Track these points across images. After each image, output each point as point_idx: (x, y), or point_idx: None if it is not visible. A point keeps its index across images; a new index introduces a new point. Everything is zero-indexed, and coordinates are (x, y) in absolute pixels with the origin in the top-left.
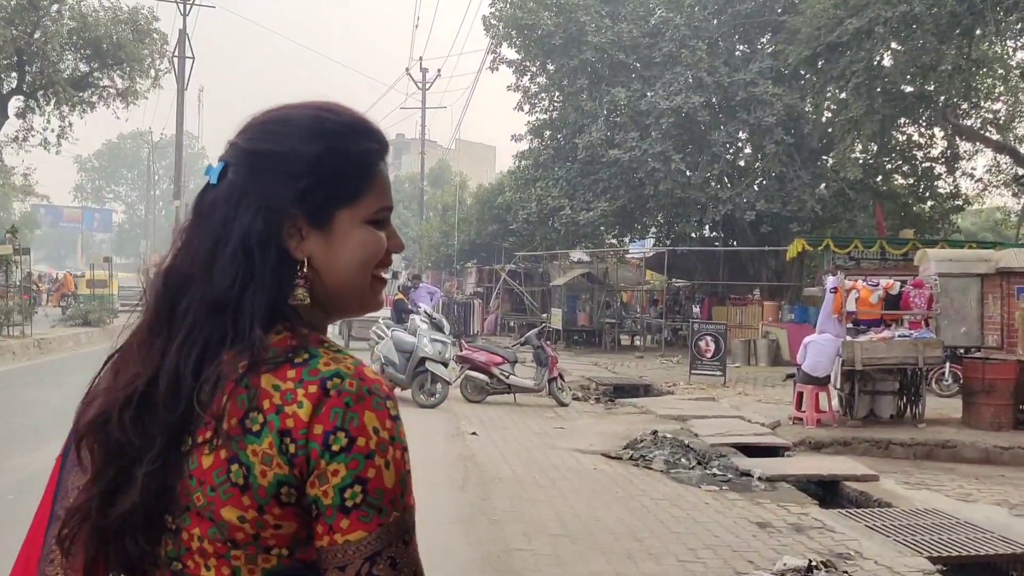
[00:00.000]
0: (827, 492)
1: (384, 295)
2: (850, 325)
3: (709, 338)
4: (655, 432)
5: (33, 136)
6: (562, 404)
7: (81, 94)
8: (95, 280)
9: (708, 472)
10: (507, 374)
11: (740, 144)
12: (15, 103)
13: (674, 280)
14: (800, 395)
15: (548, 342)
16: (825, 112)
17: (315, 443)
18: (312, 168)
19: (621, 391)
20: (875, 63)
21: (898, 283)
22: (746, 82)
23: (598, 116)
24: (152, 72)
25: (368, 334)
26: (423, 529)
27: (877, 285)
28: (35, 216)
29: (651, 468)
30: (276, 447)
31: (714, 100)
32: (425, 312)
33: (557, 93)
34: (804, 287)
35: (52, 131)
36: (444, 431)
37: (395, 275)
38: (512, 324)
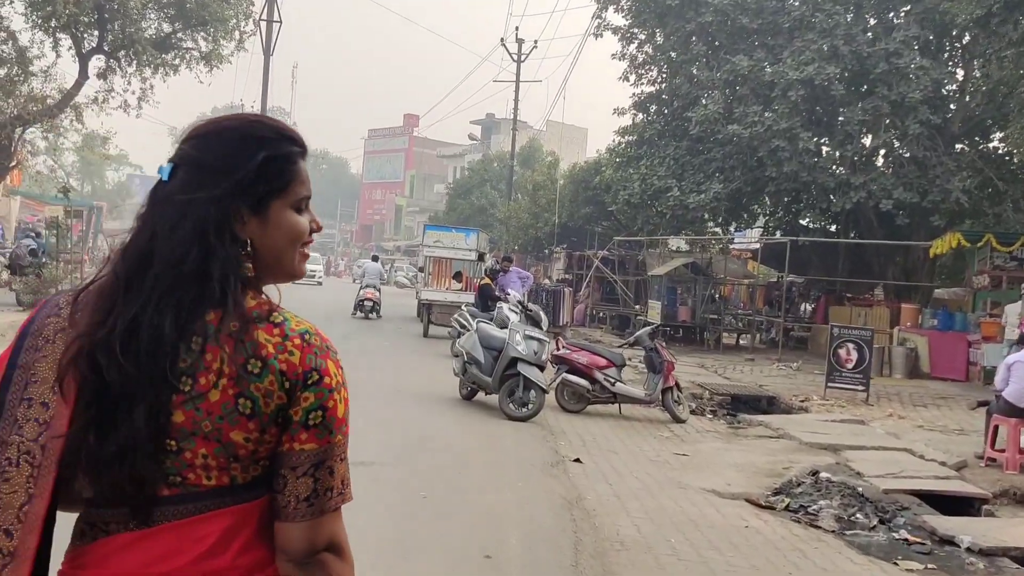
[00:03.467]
0: None
1: (470, 279)
2: None
3: (851, 345)
4: (815, 473)
5: (113, 98)
6: (678, 420)
7: (164, 55)
8: None
9: (895, 536)
10: (613, 380)
11: (878, 124)
12: (96, 62)
13: (783, 275)
14: (995, 429)
15: (663, 343)
16: (982, 87)
17: (299, 379)
18: (251, 168)
19: (740, 403)
20: None
21: None
22: (888, 52)
23: (714, 87)
24: (236, 34)
25: (448, 321)
26: None
27: None
28: (129, 186)
29: (818, 526)
30: (277, 384)
31: (848, 72)
32: (517, 300)
33: (668, 61)
34: (937, 288)
35: (132, 93)
36: (540, 456)
37: (481, 257)
38: (603, 315)
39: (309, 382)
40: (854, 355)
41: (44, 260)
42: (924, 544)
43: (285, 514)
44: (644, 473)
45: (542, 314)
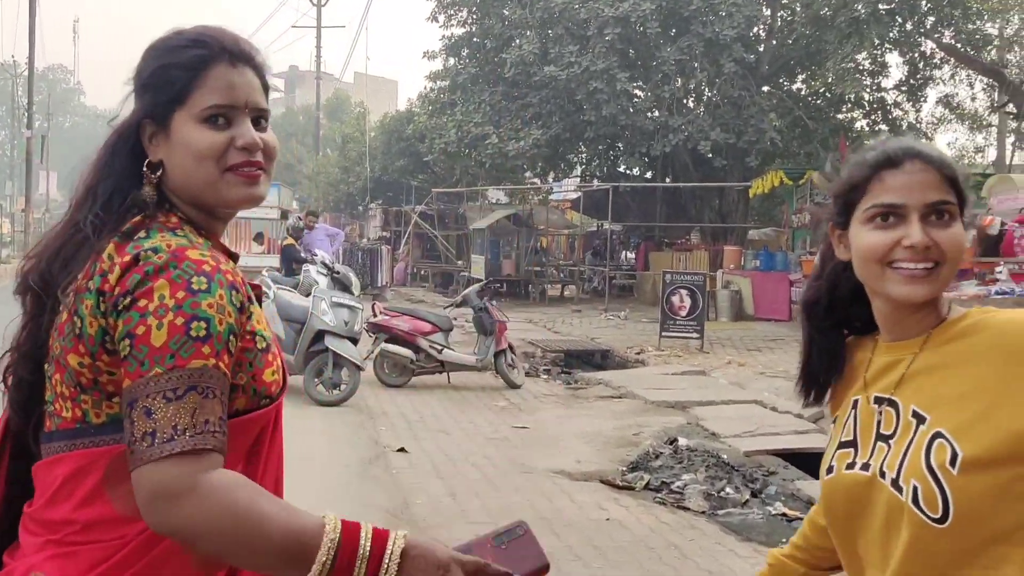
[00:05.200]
0: None
1: (273, 240)
2: None
3: (684, 292)
4: (673, 441)
5: None
6: (514, 386)
7: None
8: None
9: (771, 510)
10: (440, 347)
11: (693, 63)
12: None
13: (603, 223)
14: None
15: (493, 302)
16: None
17: (110, 302)
18: (149, 79)
19: (573, 358)
20: None
21: (998, 219)
22: None
23: (529, 27)
24: None
25: None
26: None
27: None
28: None
29: (687, 507)
30: (93, 303)
31: (663, 11)
32: (323, 262)
33: (478, 1)
34: (751, 228)
35: None
36: (356, 451)
37: (284, 215)
38: (424, 273)
39: (119, 307)
40: (687, 302)
41: None
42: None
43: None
44: (482, 457)
45: (352, 276)
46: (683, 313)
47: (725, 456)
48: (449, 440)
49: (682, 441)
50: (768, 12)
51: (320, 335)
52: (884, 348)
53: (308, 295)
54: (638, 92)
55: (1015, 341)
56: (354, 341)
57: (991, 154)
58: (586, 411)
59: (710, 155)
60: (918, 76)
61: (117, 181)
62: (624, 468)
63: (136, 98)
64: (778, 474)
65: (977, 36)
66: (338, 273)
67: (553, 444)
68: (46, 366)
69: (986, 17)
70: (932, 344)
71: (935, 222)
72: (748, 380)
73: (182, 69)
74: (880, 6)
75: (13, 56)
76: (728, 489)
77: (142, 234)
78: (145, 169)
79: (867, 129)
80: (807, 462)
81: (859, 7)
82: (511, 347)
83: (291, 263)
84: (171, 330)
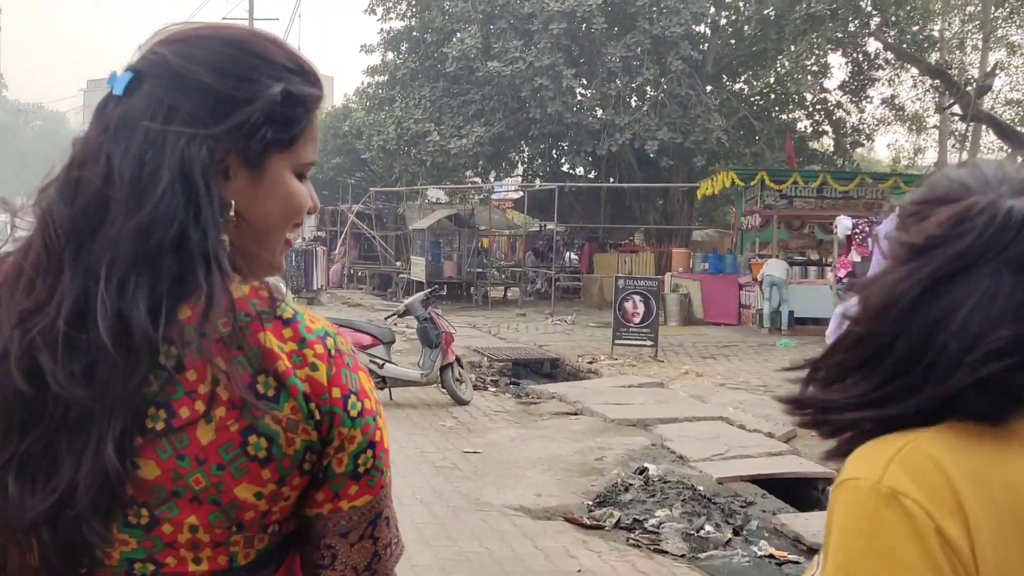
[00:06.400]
0: None
1: None
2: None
3: (637, 298)
4: (643, 471)
5: None
6: (462, 402)
7: None
8: None
9: (756, 551)
10: (381, 361)
11: (639, 60)
12: None
13: (545, 224)
14: None
15: (438, 311)
16: (741, 26)
17: (337, 408)
18: (262, 102)
19: (522, 367)
20: None
21: (847, 220)
22: None
23: (471, 21)
24: None
25: None
26: None
27: None
28: None
29: (664, 550)
30: (302, 412)
31: (610, 6)
32: None
33: None
34: (695, 230)
35: None
36: None
37: None
38: (362, 275)
39: (353, 413)
40: (640, 308)
41: None
42: (794, 562)
43: None
44: (431, 492)
45: (282, 286)
46: (636, 320)
47: (701, 488)
48: (392, 471)
49: (652, 470)
50: (713, 10)
51: None
52: None
53: None
54: (582, 90)
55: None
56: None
57: (931, 156)
58: (541, 431)
59: (656, 155)
60: (861, 77)
61: (214, 227)
62: (590, 502)
63: (215, 106)
64: (757, 504)
65: (921, 37)
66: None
67: (508, 472)
68: (140, 510)
69: (930, 19)
70: None
71: None
72: (709, 392)
73: (303, 108)
74: (821, 6)
75: None
76: (707, 526)
77: (285, 310)
78: (230, 213)
79: (811, 130)
80: (785, 488)
81: (815, 3)
82: (458, 360)
83: None
84: (386, 425)
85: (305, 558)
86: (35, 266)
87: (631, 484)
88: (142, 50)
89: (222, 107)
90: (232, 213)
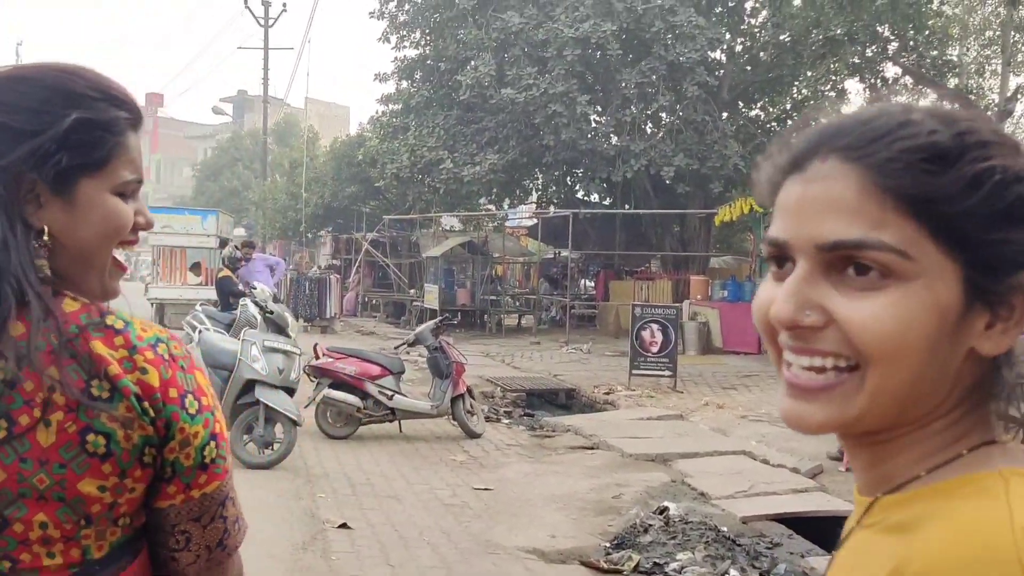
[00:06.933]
0: None
1: (211, 271)
2: None
3: (655, 326)
4: (663, 511)
5: None
6: (473, 435)
7: None
8: None
9: None
10: (390, 392)
11: (655, 86)
12: None
13: (559, 251)
14: None
15: (449, 340)
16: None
17: (173, 406)
18: (55, 132)
19: (537, 398)
20: None
21: None
22: (663, 9)
23: (485, 49)
24: None
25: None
26: None
27: None
28: None
29: None
30: (136, 411)
31: (625, 32)
32: (255, 298)
33: (432, 22)
34: (713, 256)
35: None
36: (288, 530)
37: (223, 243)
38: (376, 303)
39: (191, 411)
40: (659, 337)
41: None
42: None
43: (195, 570)
44: (439, 532)
45: (288, 315)
46: (654, 349)
47: (724, 528)
48: (400, 509)
49: (673, 509)
50: (728, 36)
51: (250, 385)
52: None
53: (239, 335)
54: (596, 116)
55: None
56: (290, 392)
57: None
58: (556, 466)
59: (672, 181)
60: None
61: (19, 251)
62: (607, 544)
63: (12, 140)
64: (784, 546)
65: (940, 61)
66: (271, 312)
67: (521, 511)
68: None
69: (948, 44)
70: (870, 517)
71: (848, 279)
72: (730, 425)
73: (104, 131)
74: (839, 30)
75: None
76: (732, 571)
77: (115, 320)
78: (43, 238)
79: None
80: (812, 527)
81: (832, 27)
82: (470, 391)
83: (228, 297)
84: (224, 416)
85: (159, 544)
86: None
87: (651, 524)
88: None
89: (14, 141)
90: (45, 237)
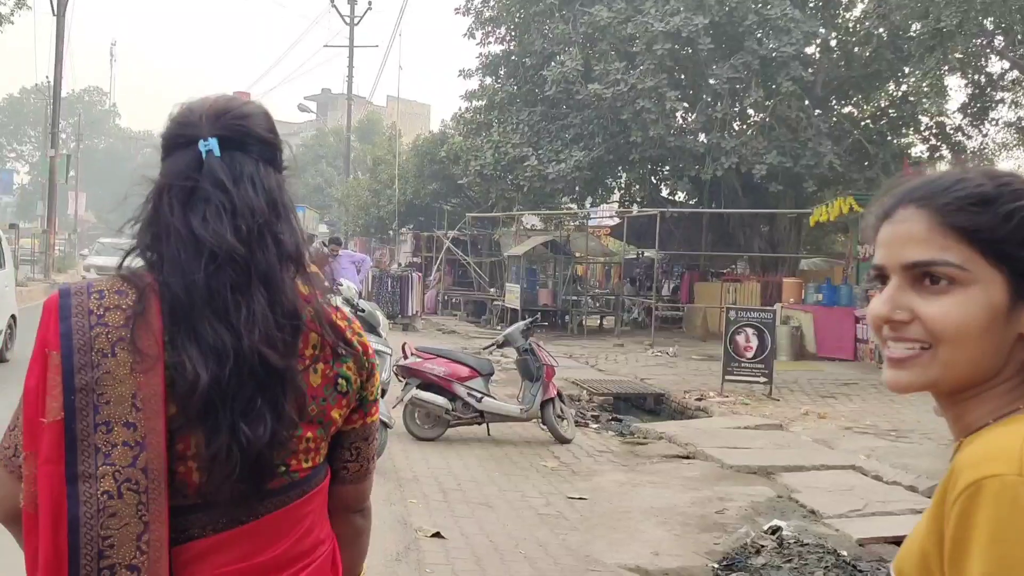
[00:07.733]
0: None
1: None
2: None
3: (750, 331)
4: (776, 531)
5: None
6: (563, 440)
7: None
8: None
9: None
10: (479, 395)
11: (747, 81)
12: None
13: (642, 251)
14: None
15: (539, 343)
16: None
17: (372, 359)
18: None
19: (622, 401)
20: None
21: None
22: (756, 2)
23: (571, 43)
24: None
25: None
26: None
27: None
28: None
29: None
30: (356, 364)
31: (716, 25)
32: (344, 296)
33: (518, 17)
34: (804, 258)
35: None
36: (381, 539)
37: (309, 239)
38: (456, 301)
39: (374, 360)
40: (754, 342)
41: None
42: None
43: (357, 476)
44: (535, 544)
45: (379, 314)
46: (749, 354)
47: (844, 552)
48: (493, 518)
49: (786, 530)
50: (823, 30)
51: None
52: None
53: None
54: (683, 113)
55: (953, 470)
56: (382, 392)
57: None
58: (651, 476)
59: (762, 180)
60: (983, 98)
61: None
62: (716, 564)
63: (275, 160)
64: None
65: None
66: (363, 311)
67: (620, 524)
68: (283, 432)
69: None
70: (955, 456)
71: (925, 288)
72: (834, 437)
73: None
74: (949, 21)
75: (48, 78)
76: None
77: (331, 301)
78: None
79: (928, 154)
80: None
81: (945, 18)
82: (560, 395)
83: None
84: None
85: (332, 458)
86: (201, 294)
87: (763, 546)
88: (205, 124)
89: (276, 162)
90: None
